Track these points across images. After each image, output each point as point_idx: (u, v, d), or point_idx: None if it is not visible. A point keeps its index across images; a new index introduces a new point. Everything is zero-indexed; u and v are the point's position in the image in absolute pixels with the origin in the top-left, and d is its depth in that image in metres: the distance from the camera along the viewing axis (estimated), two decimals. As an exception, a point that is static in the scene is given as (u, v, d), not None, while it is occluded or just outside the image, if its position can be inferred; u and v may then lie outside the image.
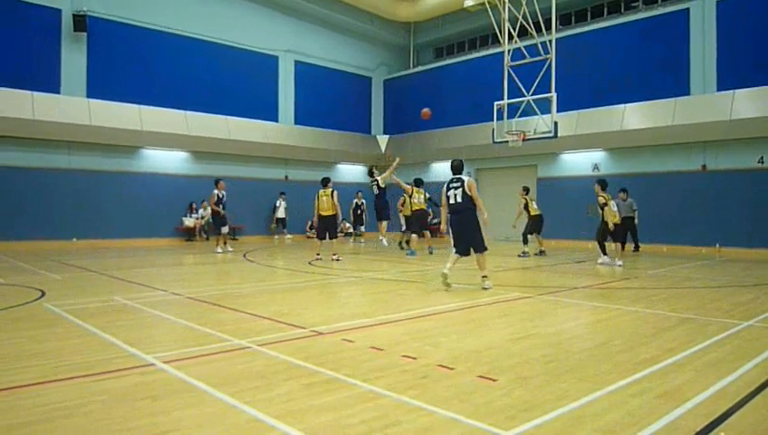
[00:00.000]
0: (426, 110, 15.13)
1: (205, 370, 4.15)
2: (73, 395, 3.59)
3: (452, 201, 8.70)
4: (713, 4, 16.79)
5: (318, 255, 13.38)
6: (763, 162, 15.78)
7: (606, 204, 12.58)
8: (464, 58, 24.22)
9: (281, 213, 22.01)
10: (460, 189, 8.61)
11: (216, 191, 15.06)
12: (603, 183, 12.90)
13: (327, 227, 13.22)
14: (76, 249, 16.73)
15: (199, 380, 3.85)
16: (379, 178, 15.92)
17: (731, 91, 16.02)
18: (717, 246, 16.40)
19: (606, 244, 12.89)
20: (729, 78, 16.31)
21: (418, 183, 15.62)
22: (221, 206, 15.03)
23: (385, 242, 15.71)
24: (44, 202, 17.00)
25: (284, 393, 3.60)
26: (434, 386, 3.77)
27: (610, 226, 12.40)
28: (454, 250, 8.64)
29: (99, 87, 18.04)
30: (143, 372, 4.08)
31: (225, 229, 15.30)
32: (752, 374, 4.06)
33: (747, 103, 15.64)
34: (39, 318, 6.15)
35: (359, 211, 20.46)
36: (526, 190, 15.29)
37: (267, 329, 5.59)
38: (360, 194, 20.86)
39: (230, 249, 15.26)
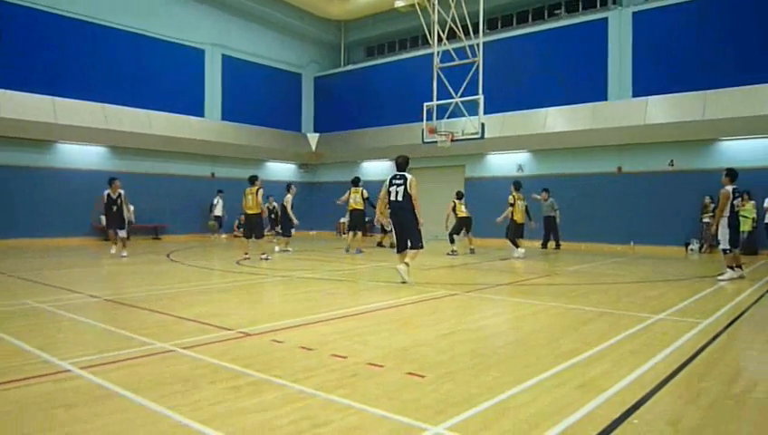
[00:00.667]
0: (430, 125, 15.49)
1: (125, 375, 3.97)
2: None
3: (392, 198, 8.77)
4: (629, 15, 17.76)
5: (246, 254, 13.14)
6: (673, 165, 16.85)
7: (513, 203, 14.26)
8: (394, 58, 24.42)
9: (218, 211, 21.44)
10: (402, 187, 8.67)
11: (105, 192, 13.29)
12: (517, 184, 14.59)
13: (252, 226, 13.00)
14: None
15: (119, 385, 3.67)
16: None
17: (645, 97, 17.02)
18: (632, 243, 17.38)
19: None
20: (644, 85, 17.31)
21: (356, 182, 15.60)
22: (114, 208, 13.14)
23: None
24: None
25: (210, 397, 3.50)
26: (363, 384, 3.77)
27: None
28: (396, 250, 8.80)
29: (7, 76, 16.86)
30: (57, 380, 3.85)
31: (122, 233, 13.33)
32: (663, 364, 4.32)
33: (660, 110, 16.66)
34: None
35: (272, 215, 18.67)
36: (459, 196, 15.64)
37: (192, 331, 5.41)
38: (271, 198, 18.95)
39: (124, 254, 13.29)
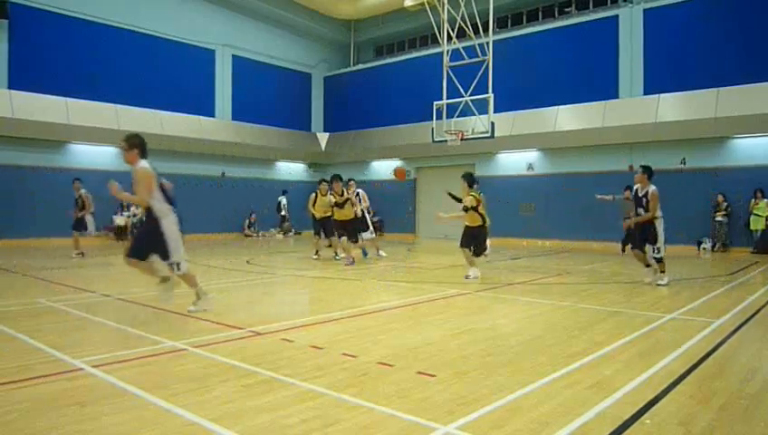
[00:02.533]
0: (399, 168, 14.78)
1: (137, 373, 4.00)
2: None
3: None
4: (640, 12, 17.62)
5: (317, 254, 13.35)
6: (685, 163, 16.70)
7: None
8: (404, 57, 24.40)
9: (284, 210, 22.91)
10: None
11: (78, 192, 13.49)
12: (470, 178, 10.42)
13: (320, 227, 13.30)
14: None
15: (131, 384, 3.70)
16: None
17: (656, 95, 16.87)
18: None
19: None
20: (655, 83, 17.17)
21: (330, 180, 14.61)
22: (77, 207, 13.47)
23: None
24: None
25: (221, 395, 3.52)
26: (373, 383, 3.77)
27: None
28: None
29: (22, 78, 17.04)
30: (70, 378, 3.89)
31: (86, 232, 13.46)
32: (675, 364, 4.28)
33: (671, 107, 16.52)
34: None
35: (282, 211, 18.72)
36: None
37: (203, 330, 5.45)
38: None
39: (75, 254, 13.13)
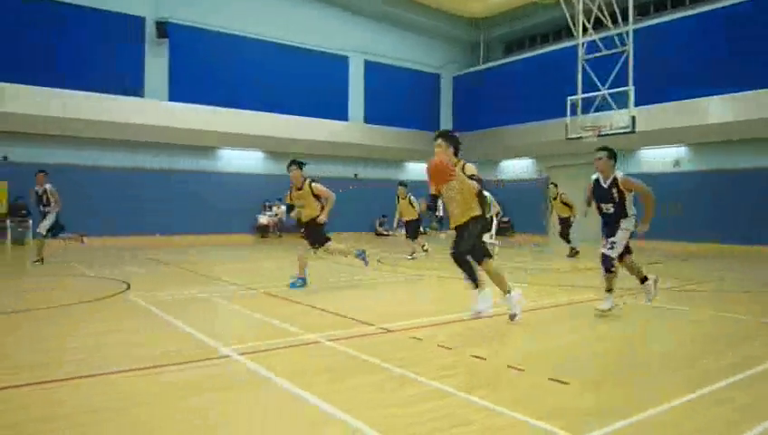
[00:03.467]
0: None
1: (277, 362, 4.28)
2: (144, 384, 3.81)
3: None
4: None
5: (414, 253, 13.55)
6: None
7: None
8: (535, 53, 23.66)
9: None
10: None
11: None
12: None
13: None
14: (159, 244, 17.62)
15: (272, 371, 3.97)
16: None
17: (829, 80, 14.84)
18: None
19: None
20: (827, 66, 15.11)
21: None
22: (41, 205, 11.40)
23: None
24: (131, 200, 18.03)
25: (353, 388, 3.67)
26: (503, 387, 3.73)
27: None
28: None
29: (180, 90, 18.93)
30: (217, 364, 4.27)
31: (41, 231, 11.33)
32: None
33: None
34: (123, 309, 6.55)
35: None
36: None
37: (335, 324, 5.70)
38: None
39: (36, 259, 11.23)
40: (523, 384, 3.78)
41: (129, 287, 8.11)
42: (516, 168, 23.53)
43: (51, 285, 8.79)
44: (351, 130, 22.90)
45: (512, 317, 5.76)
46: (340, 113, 23.00)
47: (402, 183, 14.16)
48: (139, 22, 18.42)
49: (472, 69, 26.59)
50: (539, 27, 24.87)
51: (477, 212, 5.85)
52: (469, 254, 5.85)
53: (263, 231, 20.59)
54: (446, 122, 26.91)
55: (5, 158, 16.71)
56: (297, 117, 21.09)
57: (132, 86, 18.06)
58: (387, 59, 24.47)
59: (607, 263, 6.20)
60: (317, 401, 3.38)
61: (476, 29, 26.91)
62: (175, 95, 18.84)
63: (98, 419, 3.15)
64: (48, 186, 11.38)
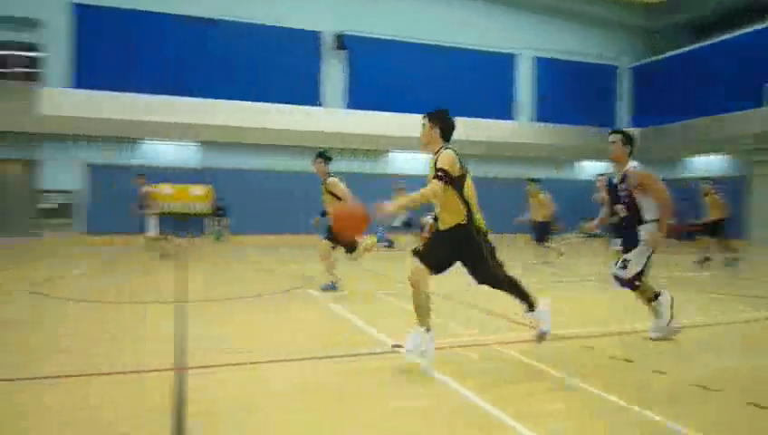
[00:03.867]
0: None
1: (442, 363, 4.32)
2: (320, 371, 4.11)
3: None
4: None
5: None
6: None
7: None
8: (726, 36, 21.11)
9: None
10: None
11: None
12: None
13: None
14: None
15: (438, 372, 4.04)
16: None
17: None
18: None
19: None
20: None
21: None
22: (141, 207, 12.32)
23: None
24: (312, 202, 19.45)
25: (523, 395, 3.62)
26: (691, 407, 3.42)
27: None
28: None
29: (356, 99, 20.12)
30: (386, 358, 4.48)
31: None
32: None
33: None
34: (305, 301, 7.11)
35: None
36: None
37: (503, 327, 5.64)
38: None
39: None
40: (714, 406, 3.43)
41: (309, 283, 8.77)
42: (707, 164, 21.19)
43: (248, 277, 9.86)
44: (518, 129, 22.42)
45: (540, 337, 4.53)
46: (506, 113, 22.64)
47: (534, 180, 12.97)
48: (317, 36, 19.93)
49: (652, 58, 24.51)
50: (726, 9, 22.16)
51: (460, 220, 4.28)
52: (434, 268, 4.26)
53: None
54: (622, 117, 25.19)
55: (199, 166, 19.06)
56: (466, 118, 21.21)
57: (311, 96, 19.62)
58: (557, 53, 23.58)
59: (624, 286, 5.11)
60: (483, 404, 3.39)
61: (656, 15, 24.76)
62: (352, 103, 20.06)
63: (282, 403, 3.50)
64: (145, 188, 12.09)
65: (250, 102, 18.50)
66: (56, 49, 17.56)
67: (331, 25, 20.07)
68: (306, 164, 19.59)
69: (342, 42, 19.78)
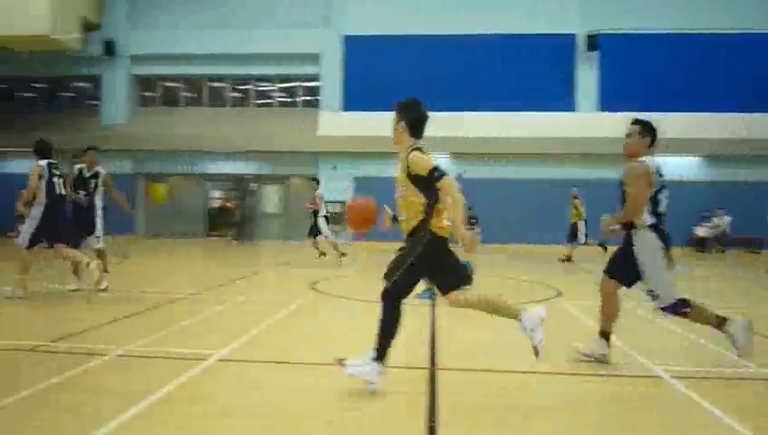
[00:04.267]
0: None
1: (718, 392, 3.82)
2: (572, 389, 3.92)
3: None
4: None
5: None
6: None
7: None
8: None
9: None
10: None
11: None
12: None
13: None
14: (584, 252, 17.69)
15: (712, 403, 3.57)
16: None
17: None
18: None
19: None
20: None
21: None
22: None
23: None
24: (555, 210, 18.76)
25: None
26: None
27: None
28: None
29: (609, 100, 18.89)
30: (644, 383, 4.09)
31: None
32: None
33: None
34: (559, 312, 6.88)
35: None
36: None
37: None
38: None
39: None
40: None
41: (560, 294, 8.49)
42: None
43: (497, 286, 9.98)
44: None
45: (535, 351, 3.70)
46: None
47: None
48: (568, 39, 19.24)
49: None
50: None
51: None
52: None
53: (700, 245, 18.58)
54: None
55: (460, 175, 19.69)
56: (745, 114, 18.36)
57: (563, 101, 19.02)
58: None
59: (673, 313, 4.35)
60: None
61: None
62: (605, 105, 18.90)
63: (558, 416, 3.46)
64: (320, 191, 12.60)
65: (495, 113, 18.72)
66: (330, 77, 20.14)
67: (583, 26, 19.18)
68: (558, 172, 19.09)
69: (595, 42, 18.78)
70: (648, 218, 4.29)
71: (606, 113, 18.68)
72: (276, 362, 4.51)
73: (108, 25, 20.89)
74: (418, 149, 3.77)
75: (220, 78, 21.64)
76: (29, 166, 7.23)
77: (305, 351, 4.89)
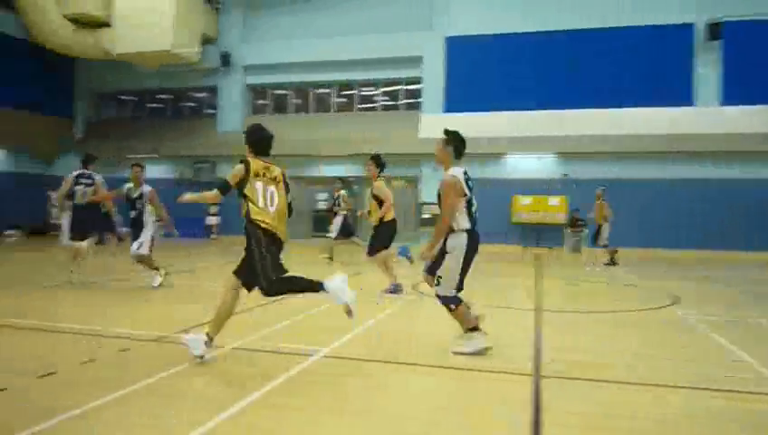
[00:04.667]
0: None
1: None
2: (691, 404, 3.69)
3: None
4: None
5: None
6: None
7: None
8: None
9: None
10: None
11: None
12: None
13: None
14: (705, 259, 16.44)
15: None
16: None
17: None
18: None
19: None
20: None
21: None
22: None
23: None
24: (670, 212, 17.53)
25: None
26: None
27: None
28: None
29: (733, 93, 17.39)
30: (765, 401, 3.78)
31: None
32: None
33: None
34: (669, 322, 6.51)
35: None
36: None
37: None
38: None
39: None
40: None
41: (676, 302, 8.00)
42: None
43: (606, 291, 9.58)
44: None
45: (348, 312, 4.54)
46: None
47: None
48: (686, 28, 17.92)
49: None
50: None
51: None
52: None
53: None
54: None
55: (566, 175, 18.93)
56: None
57: (680, 95, 17.78)
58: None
59: (443, 303, 4.86)
60: None
61: None
62: (728, 98, 17.42)
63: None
64: (343, 192, 13.00)
65: (607, 109, 17.83)
66: (432, 79, 20.14)
67: (702, 14, 17.76)
68: (681, 171, 17.63)
69: (718, 31, 17.29)
70: (464, 223, 4.74)
71: (726, 107, 17.24)
72: (383, 362, 4.62)
73: (223, 39, 22.29)
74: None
75: (326, 85, 22.34)
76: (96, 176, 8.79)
77: (408, 351, 4.97)
